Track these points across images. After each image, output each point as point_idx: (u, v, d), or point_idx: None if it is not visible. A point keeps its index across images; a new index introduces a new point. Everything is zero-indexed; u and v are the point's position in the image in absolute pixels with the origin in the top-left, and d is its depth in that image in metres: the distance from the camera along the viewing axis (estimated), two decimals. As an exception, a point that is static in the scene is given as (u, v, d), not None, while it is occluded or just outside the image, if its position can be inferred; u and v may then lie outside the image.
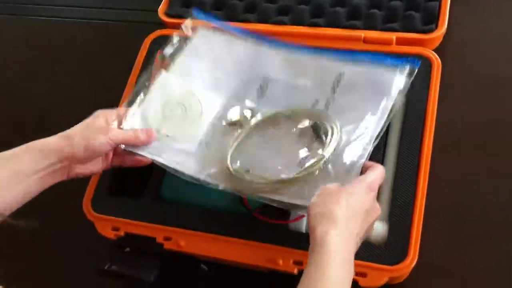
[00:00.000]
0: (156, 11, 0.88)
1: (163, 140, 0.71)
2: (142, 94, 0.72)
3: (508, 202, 0.69)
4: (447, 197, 0.69)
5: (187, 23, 0.79)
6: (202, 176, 0.67)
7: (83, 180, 0.71)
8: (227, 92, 0.74)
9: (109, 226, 0.72)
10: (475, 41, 0.81)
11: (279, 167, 0.65)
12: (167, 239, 0.69)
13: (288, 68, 0.73)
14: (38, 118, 0.94)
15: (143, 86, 0.73)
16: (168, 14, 0.88)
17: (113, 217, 0.72)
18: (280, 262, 0.64)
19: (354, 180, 0.59)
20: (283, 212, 0.67)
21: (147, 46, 0.85)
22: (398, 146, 0.68)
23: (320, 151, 0.65)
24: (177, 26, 0.85)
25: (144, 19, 0.96)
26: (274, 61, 0.74)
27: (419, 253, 0.62)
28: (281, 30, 0.81)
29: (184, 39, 0.77)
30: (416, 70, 0.69)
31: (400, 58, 0.73)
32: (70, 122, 0.66)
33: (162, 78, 0.74)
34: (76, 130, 0.64)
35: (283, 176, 0.64)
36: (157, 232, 0.70)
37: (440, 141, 0.69)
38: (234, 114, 0.72)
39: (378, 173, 0.61)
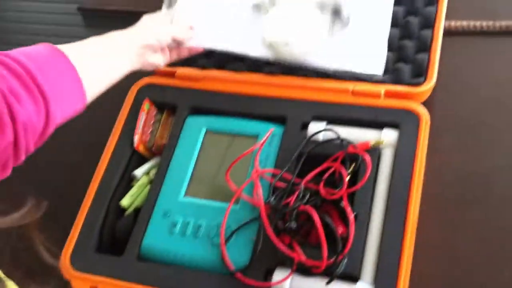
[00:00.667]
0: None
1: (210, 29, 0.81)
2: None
3: (501, 261, 0.66)
4: (434, 259, 0.67)
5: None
6: (251, 53, 0.78)
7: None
8: None
9: (87, 285, 0.69)
10: (465, 90, 0.79)
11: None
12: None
13: None
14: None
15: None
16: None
17: (91, 275, 0.70)
18: (261, 327, 0.62)
19: None
20: (267, 272, 0.65)
21: (134, 94, 0.83)
22: (385, 206, 0.66)
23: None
24: (165, 74, 0.85)
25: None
26: None
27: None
28: (272, 81, 0.80)
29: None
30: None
31: (388, 111, 0.72)
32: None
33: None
34: (147, 23, 0.76)
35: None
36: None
37: (428, 198, 0.67)
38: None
39: None
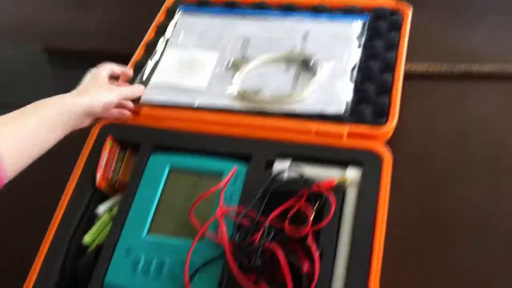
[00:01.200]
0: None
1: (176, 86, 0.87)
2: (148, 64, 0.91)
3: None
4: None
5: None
6: (218, 102, 0.82)
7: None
8: (218, 50, 0.90)
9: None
10: (426, 131, 0.82)
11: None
12: None
13: (263, 28, 0.92)
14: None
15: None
16: (120, 101, 0.87)
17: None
18: None
19: None
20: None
21: (96, 132, 0.83)
22: (350, 244, 0.67)
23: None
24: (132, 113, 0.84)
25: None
26: (251, 25, 0.93)
27: None
28: (236, 120, 0.81)
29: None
30: (364, 164, 0.71)
31: (351, 151, 0.74)
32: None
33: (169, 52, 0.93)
34: (90, 88, 0.77)
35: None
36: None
37: (393, 237, 0.67)
38: (230, 59, 0.89)
39: None
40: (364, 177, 0.71)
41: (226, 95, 0.83)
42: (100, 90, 0.77)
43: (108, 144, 0.81)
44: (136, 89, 0.85)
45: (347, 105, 0.78)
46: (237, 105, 0.82)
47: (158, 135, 0.81)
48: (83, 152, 0.81)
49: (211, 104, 0.83)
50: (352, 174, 0.72)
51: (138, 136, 0.81)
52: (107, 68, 0.82)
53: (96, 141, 0.82)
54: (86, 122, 0.76)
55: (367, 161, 0.72)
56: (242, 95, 0.82)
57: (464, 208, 0.73)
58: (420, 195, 0.75)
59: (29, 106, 0.68)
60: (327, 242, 0.67)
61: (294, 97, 0.80)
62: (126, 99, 0.82)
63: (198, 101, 0.83)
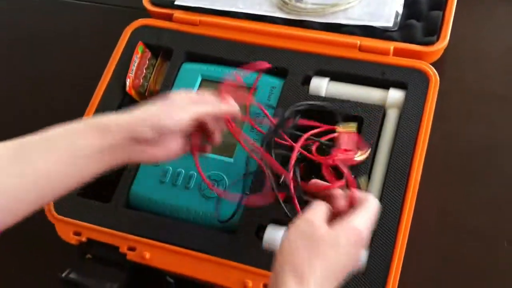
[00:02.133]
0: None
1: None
2: None
3: (496, 236, 0.64)
4: (431, 228, 0.65)
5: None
6: (257, 9, 0.76)
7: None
8: None
9: (71, 230, 0.67)
10: (477, 57, 0.76)
11: None
12: (131, 249, 0.64)
13: None
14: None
15: None
16: (153, 3, 0.82)
17: (76, 221, 0.67)
18: (250, 284, 0.60)
19: (341, 224, 0.47)
20: (258, 229, 0.63)
21: (127, 36, 0.79)
22: (387, 166, 0.64)
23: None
24: (162, 16, 0.80)
25: (130, 4, 0.90)
26: None
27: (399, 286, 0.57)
28: (274, 30, 0.75)
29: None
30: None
31: (396, 69, 0.69)
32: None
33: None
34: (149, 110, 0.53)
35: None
36: (121, 241, 0.65)
37: (431, 165, 0.64)
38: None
39: (371, 215, 0.49)
40: (407, 99, 0.66)
41: (266, 1, 0.77)
42: (170, 108, 0.54)
43: (139, 49, 0.77)
44: (223, 107, 0.58)
45: (396, 18, 0.72)
46: (277, 13, 0.76)
47: (191, 42, 0.77)
48: (113, 55, 0.77)
49: (249, 11, 0.77)
50: (394, 95, 0.67)
51: (170, 42, 0.78)
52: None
53: (127, 45, 0.78)
54: (141, 154, 0.53)
55: (412, 81, 0.67)
56: (283, 2, 0.76)
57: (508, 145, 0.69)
58: (463, 126, 0.71)
59: (57, 130, 0.49)
60: (362, 168, 0.64)
61: (339, 6, 0.74)
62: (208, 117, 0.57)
63: (235, 7, 0.78)
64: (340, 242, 0.46)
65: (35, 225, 0.69)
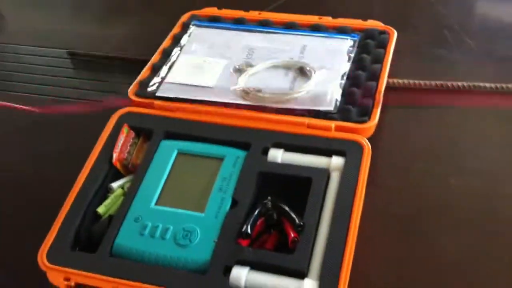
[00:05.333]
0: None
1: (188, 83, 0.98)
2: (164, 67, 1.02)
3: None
4: (373, 264, 0.77)
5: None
6: (224, 98, 0.93)
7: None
8: (226, 58, 1.03)
9: (61, 276, 0.76)
10: (404, 135, 0.94)
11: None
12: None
13: (266, 41, 1.06)
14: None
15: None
16: (137, 95, 0.98)
17: (65, 268, 0.76)
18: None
19: None
20: (225, 270, 0.74)
21: (115, 119, 0.94)
22: (331, 218, 0.76)
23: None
24: (144, 105, 0.96)
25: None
26: (256, 38, 1.07)
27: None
28: (239, 113, 0.91)
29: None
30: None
31: (337, 141, 0.85)
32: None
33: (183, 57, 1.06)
34: None
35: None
36: (105, 283, 0.74)
37: (367, 219, 0.77)
38: (237, 64, 1.01)
39: None
40: (346, 163, 0.81)
41: (231, 92, 0.95)
42: None
43: (124, 130, 0.91)
44: None
45: (335, 104, 0.90)
46: (241, 101, 0.93)
47: (168, 124, 0.92)
48: (102, 135, 0.91)
49: (218, 99, 0.94)
50: (336, 161, 0.82)
51: (151, 124, 0.92)
52: None
53: (114, 127, 0.92)
54: None
55: (350, 150, 0.83)
56: (245, 92, 0.94)
57: (430, 209, 0.84)
58: (392, 195, 0.86)
59: None
60: (312, 215, 0.77)
61: (290, 95, 0.92)
62: None
63: (206, 96, 0.95)
64: None
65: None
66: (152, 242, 0.78)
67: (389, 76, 0.97)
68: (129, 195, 0.84)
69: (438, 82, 0.99)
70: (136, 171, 0.88)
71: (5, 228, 0.89)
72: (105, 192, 0.87)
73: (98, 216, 0.84)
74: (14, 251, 0.85)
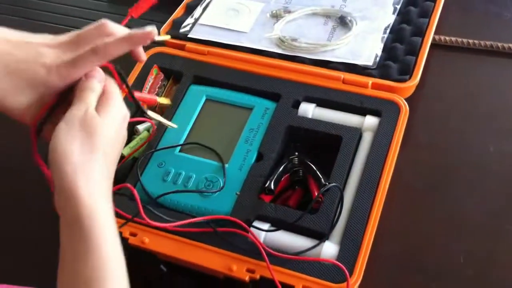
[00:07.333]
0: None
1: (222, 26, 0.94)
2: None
3: (452, 249, 0.73)
4: (395, 233, 0.75)
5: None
6: (258, 45, 0.89)
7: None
8: (263, 1, 0.98)
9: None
10: (444, 96, 0.88)
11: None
12: (132, 234, 0.73)
13: None
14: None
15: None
16: (170, 34, 0.94)
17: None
18: (234, 268, 0.68)
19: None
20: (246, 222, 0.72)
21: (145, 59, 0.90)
22: (360, 178, 0.74)
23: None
24: (175, 46, 0.93)
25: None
26: None
27: (364, 275, 0.66)
28: (271, 62, 0.88)
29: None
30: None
31: (373, 99, 0.80)
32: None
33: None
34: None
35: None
36: (124, 227, 0.73)
37: (396, 181, 0.74)
38: (275, 8, 0.96)
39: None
40: (381, 124, 0.77)
41: (266, 39, 0.90)
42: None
43: (154, 71, 0.89)
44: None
45: (375, 59, 0.85)
46: (274, 49, 0.89)
47: (199, 68, 0.89)
48: (131, 75, 0.89)
49: (251, 45, 0.90)
50: (370, 121, 0.78)
51: (180, 67, 0.89)
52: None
53: (143, 67, 0.90)
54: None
55: (385, 110, 0.78)
56: (280, 41, 0.89)
57: (463, 166, 0.80)
58: (426, 152, 0.82)
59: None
60: (339, 177, 0.74)
61: (327, 47, 0.87)
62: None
63: (239, 42, 0.91)
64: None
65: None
66: (174, 189, 0.76)
67: (436, 32, 0.91)
68: (154, 139, 0.82)
69: (489, 43, 0.92)
70: (162, 115, 0.85)
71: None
72: (131, 133, 0.85)
73: (121, 157, 0.83)
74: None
